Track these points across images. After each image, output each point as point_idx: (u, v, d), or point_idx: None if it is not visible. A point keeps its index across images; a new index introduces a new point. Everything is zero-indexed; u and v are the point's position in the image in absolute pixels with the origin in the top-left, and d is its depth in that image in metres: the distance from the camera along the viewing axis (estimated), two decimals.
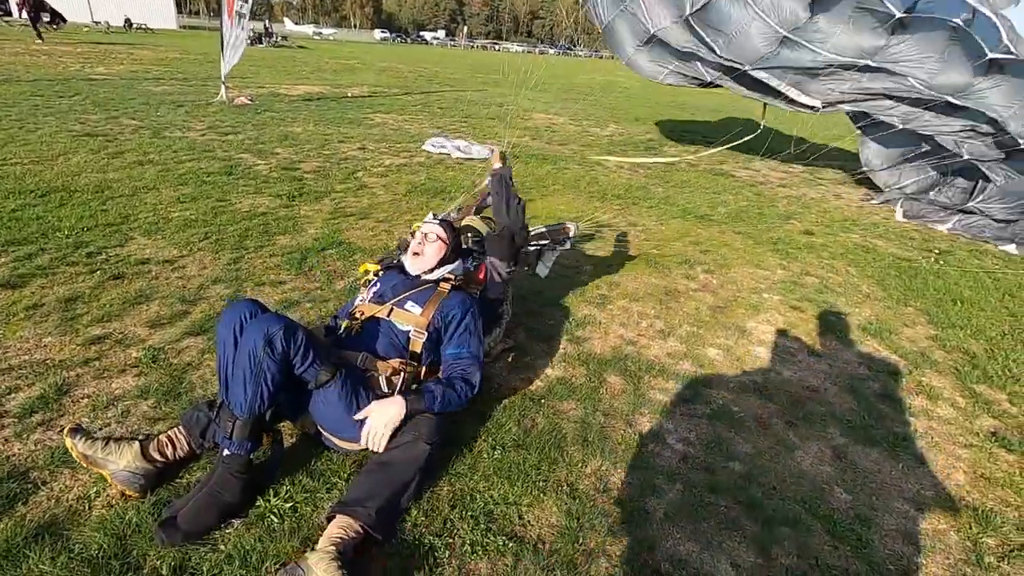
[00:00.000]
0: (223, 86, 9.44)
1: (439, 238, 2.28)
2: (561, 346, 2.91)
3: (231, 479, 1.66)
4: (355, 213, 4.69)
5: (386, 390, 1.95)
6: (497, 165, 2.74)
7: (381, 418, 1.84)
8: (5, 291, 2.91)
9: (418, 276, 2.25)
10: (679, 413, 2.44)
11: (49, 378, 2.27)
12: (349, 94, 12.24)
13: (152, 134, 6.75)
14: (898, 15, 4.33)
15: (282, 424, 2.03)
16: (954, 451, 2.37)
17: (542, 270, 3.14)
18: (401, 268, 2.32)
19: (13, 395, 2.16)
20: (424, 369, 2.11)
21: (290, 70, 16.76)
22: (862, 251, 4.85)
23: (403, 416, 1.85)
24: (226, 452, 1.68)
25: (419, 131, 8.64)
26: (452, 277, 2.29)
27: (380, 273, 2.34)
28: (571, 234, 3.24)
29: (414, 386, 2.04)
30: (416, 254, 2.26)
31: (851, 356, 3.08)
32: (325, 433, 1.92)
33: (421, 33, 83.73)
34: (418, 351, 2.06)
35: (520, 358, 2.74)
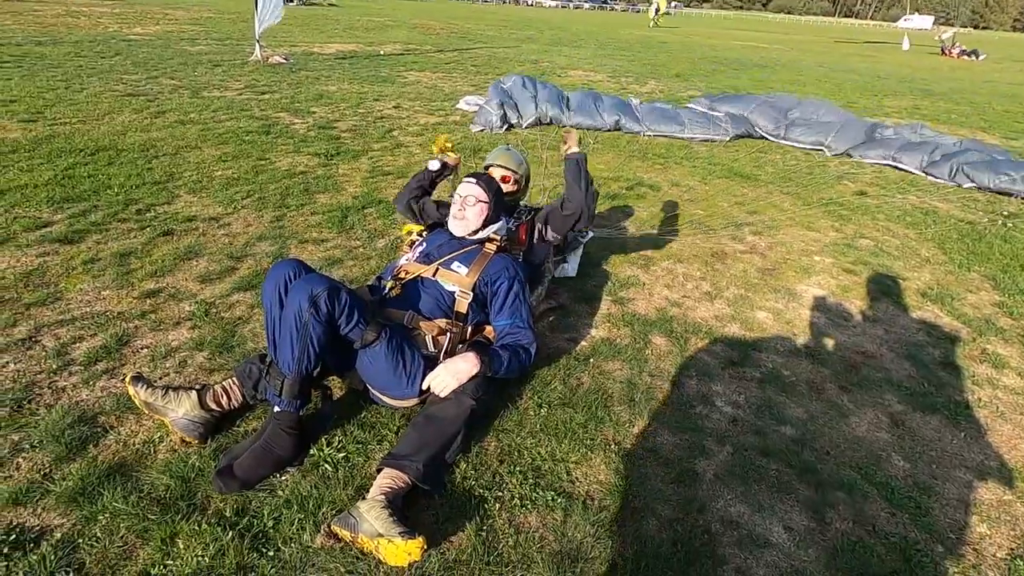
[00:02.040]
0: (257, 45, 9.40)
1: (479, 201, 2.21)
2: (605, 307, 2.86)
3: (283, 434, 1.70)
4: (392, 172, 4.66)
5: (432, 350, 1.95)
6: (574, 149, 2.66)
7: (451, 368, 1.83)
8: (64, 246, 3.01)
9: (464, 237, 2.22)
10: (728, 376, 2.38)
11: (110, 329, 2.35)
12: (382, 52, 12.05)
13: (191, 93, 6.80)
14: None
15: (330, 379, 2.06)
16: (1021, 421, 2.26)
17: (571, 269, 3.04)
18: (446, 228, 2.29)
19: (78, 344, 2.25)
20: (470, 329, 2.09)
21: (322, 28, 16.57)
22: (921, 213, 4.59)
23: (473, 375, 1.84)
24: (276, 409, 1.72)
25: (453, 89, 8.47)
26: (497, 238, 2.25)
27: (425, 233, 2.32)
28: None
29: (460, 345, 2.04)
30: (458, 218, 2.21)
31: (909, 322, 2.94)
32: (373, 390, 1.94)
33: None
34: (463, 311, 2.04)
35: (563, 318, 2.71)
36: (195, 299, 2.65)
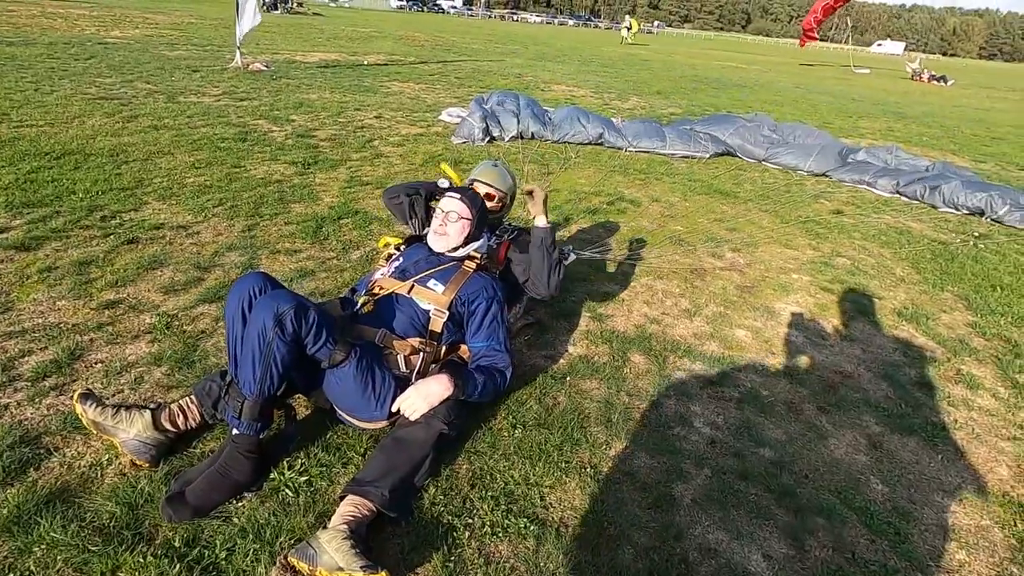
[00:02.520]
0: (237, 51, 9.28)
1: (461, 217, 2.14)
2: (583, 323, 2.81)
3: (240, 458, 1.60)
4: (371, 182, 4.58)
5: (404, 370, 1.87)
6: (541, 221, 2.42)
7: (422, 391, 1.76)
8: (20, 253, 2.87)
9: (443, 253, 2.15)
10: (706, 396, 2.34)
11: (62, 342, 2.22)
12: (365, 62, 12.01)
13: (167, 99, 6.66)
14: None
15: (295, 397, 1.97)
16: (996, 444, 2.26)
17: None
18: (425, 242, 2.22)
19: (26, 358, 2.12)
20: (444, 349, 2.02)
21: (306, 37, 16.49)
22: (895, 233, 4.66)
23: (445, 398, 1.77)
24: (235, 431, 1.62)
25: (436, 101, 8.44)
26: (477, 256, 2.19)
27: (402, 247, 2.24)
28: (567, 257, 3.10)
29: (432, 365, 1.96)
30: (439, 234, 2.15)
31: (885, 341, 2.95)
32: (340, 411, 1.85)
33: (438, 1, 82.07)
34: (438, 331, 1.97)
35: (541, 335, 2.65)
36: (157, 311, 2.53)
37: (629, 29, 33.91)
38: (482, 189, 2.59)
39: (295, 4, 31.68)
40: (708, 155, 6.60)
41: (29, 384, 1.99)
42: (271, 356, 1.56)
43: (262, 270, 1.88)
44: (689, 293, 3.24)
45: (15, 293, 2.53)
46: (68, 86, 6.72)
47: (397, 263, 2.14)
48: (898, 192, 5.82)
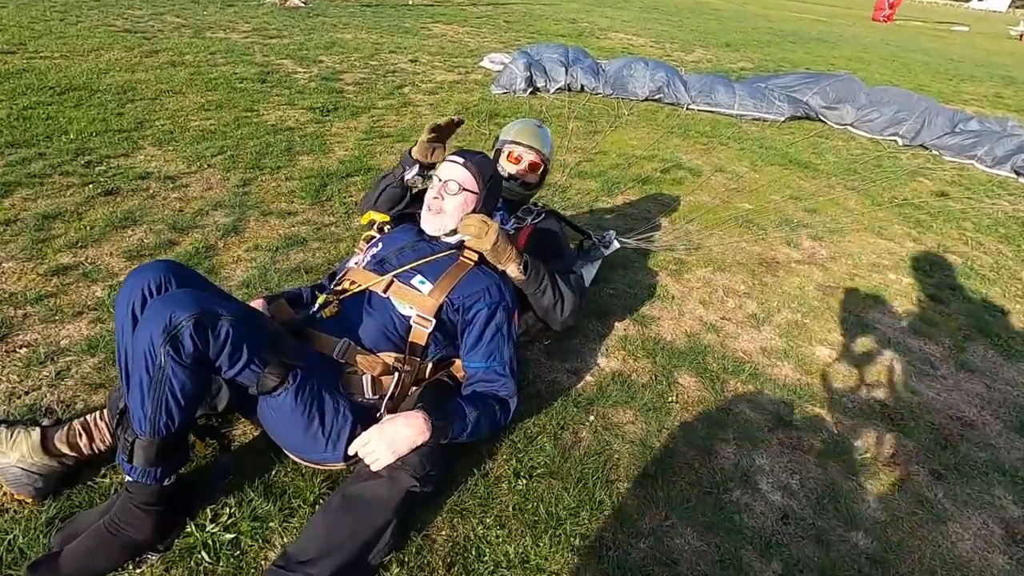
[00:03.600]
0: None
1: (463, 189, 1.59)
2: (621, 327, 2.26)
3: (136, 512, 1.18)
4: (393, 134, 4.05)
5: (370, 396, 1.40)
6: (513, 271, 1.66)
7: (387, 434, 1.28)
8: None
9: (437, 238, 1.63)
10: (777, 443, 1.78)
11: None
12: (411, 1, 11.23)
13: (193, 33, 6.24)
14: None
15: (235, 415, 1.53)
16: None
17: (585, 280, 2.36)
18: (417, 223, 1.69)
19: None
20: (430, 366, 1.53)
21: None
22: (1016, 224, 3.81)
23: (417, 445, 1.29)
24: (128, 478, 1.19)
25: (479, 45, 7.70)
26: None
27: (387, 228, 1.73)
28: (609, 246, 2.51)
29: (413, 389, 1.48)
30: (432, 211, 1.61)
31: (1017, 374, 2.29)
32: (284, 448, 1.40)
33: None
34: (421, 344, 1.47)
35: (565, 340, 2.13)
36: (113, 280, 2.14)
37: None
38: (521, 154, 2.03)
39: None
40: (783, 118, 5.72)
41: None
42: (164, 385, 1.11)
43: (176, 260, 1.32)
44: (757, 292, 2.63)
45: None
46: (95, 16, 6.39)
47: (376, 249, 1.64)
48: (1016, 172, 4.85)
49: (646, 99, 5.79)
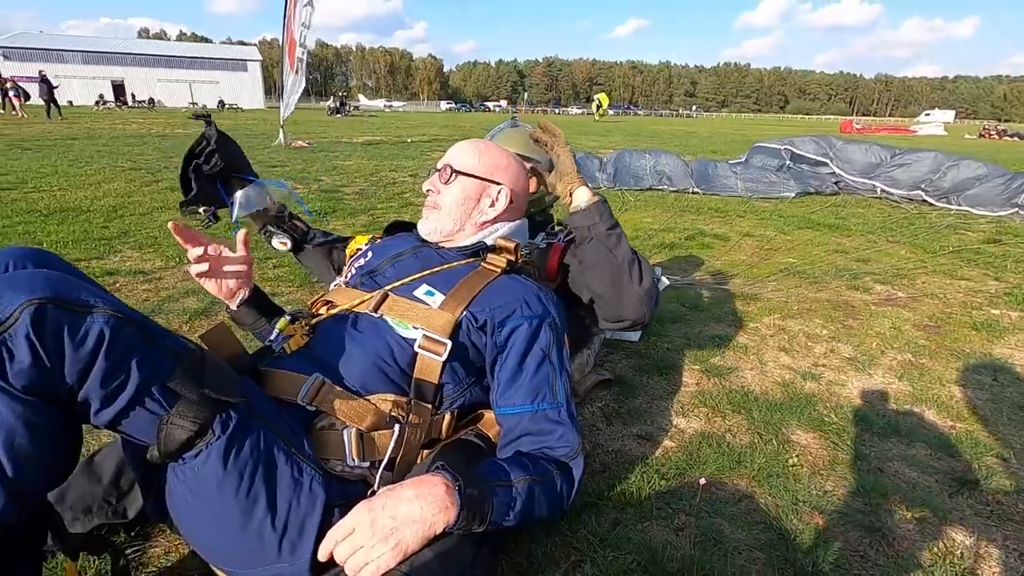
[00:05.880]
0: (280, 130, 9.27)
1: (459, 172, 1.18)
2: (692, 380, 1.74)
3: None
4: None
5: (355, 460, 0.87)
6: (583, 195, 1.23)
7: (384, 520, 0.75)
8: None
9: (441, 246, 1.18)
10: (971, 511, 1.18)
11: None
12: (410, 140, 11.98)
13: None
14: None
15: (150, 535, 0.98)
16: None
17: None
18: (416, 232, 1.27)
19: None
20: (447, 419, 1.01)
21: (356, 127, 17.12)
22: None
23: (435, 533, 0.76)
24: None
25: None
26: (510, 246, 1.14)
27: (379, 240, 1.31)
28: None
29: (424, 452, 0.95)
30: (428, 207, 1.19)
31: None
32: (203, 556, 0.84)
33: (484, 103, 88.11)
34: (433, 381, 0.97)
35: (623, 399, 1.60)
36: None
37: (599, 107, 33.22)
38: None
39: (352, 108, 34.28)
40: (793, 194, 5.58)
41: None
42: None
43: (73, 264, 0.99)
44: (844, 335, 2.12)
45: None
46: (105, 162, 6.60)
47: (363, 260, 1.20)
48: None
49: (650, 188, 5.72)
